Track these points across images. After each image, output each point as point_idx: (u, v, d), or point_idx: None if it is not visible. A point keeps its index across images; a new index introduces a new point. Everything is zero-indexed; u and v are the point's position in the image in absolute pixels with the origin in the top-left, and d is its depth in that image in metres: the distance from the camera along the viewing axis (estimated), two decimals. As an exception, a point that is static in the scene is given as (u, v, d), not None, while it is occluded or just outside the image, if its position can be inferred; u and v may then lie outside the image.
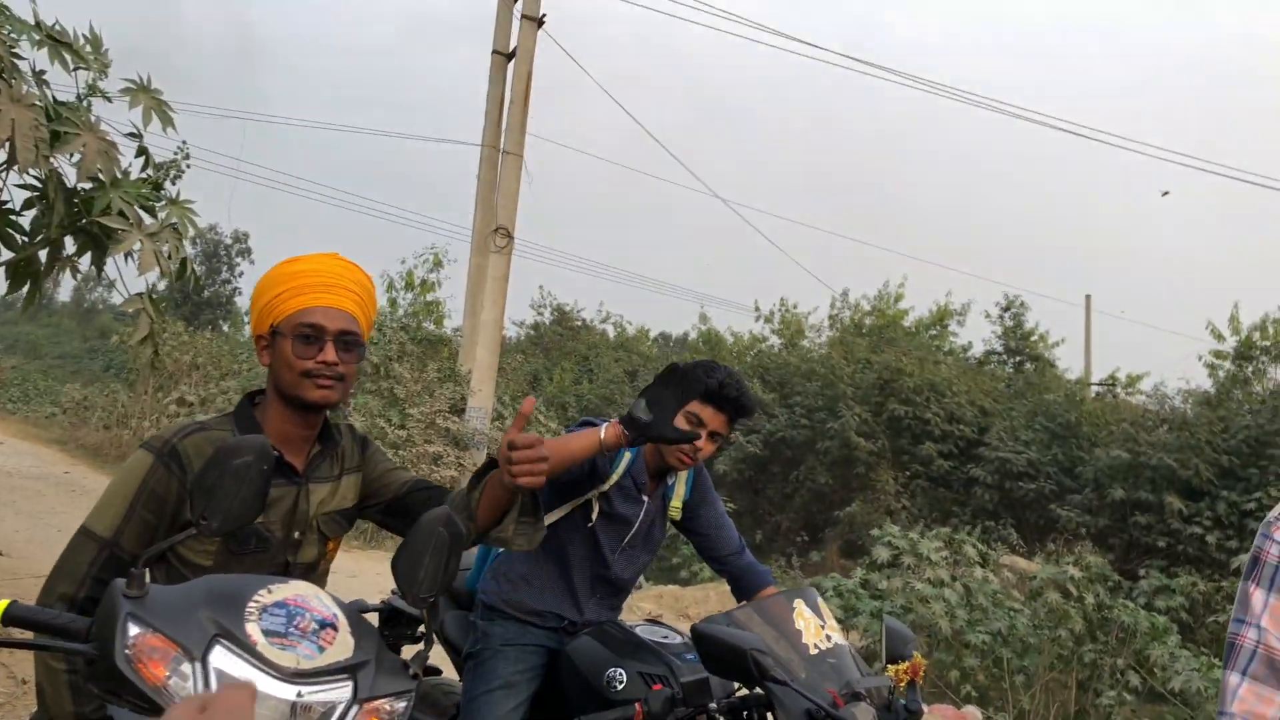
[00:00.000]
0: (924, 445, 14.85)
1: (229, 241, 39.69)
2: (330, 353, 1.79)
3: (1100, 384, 22.15)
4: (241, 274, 39.90)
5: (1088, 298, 26.27)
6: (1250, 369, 20.55)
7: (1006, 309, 24.09)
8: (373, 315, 1.96)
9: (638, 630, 2.50)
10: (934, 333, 24.66)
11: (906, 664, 2.28)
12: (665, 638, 2.48)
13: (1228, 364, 21.35)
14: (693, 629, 2.05)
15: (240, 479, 1.40)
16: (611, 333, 25.19)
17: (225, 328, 32.63)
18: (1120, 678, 6.54)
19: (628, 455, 2.55)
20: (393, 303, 17.49)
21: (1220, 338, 21.95)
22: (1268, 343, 21.51)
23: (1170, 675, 6.17)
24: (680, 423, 2.44)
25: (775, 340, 24.41)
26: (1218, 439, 11.98)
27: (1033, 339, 24.21)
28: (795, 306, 24.63)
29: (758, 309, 24.58)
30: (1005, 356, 24.33)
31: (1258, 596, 1.40)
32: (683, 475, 2.69)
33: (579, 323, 24.44)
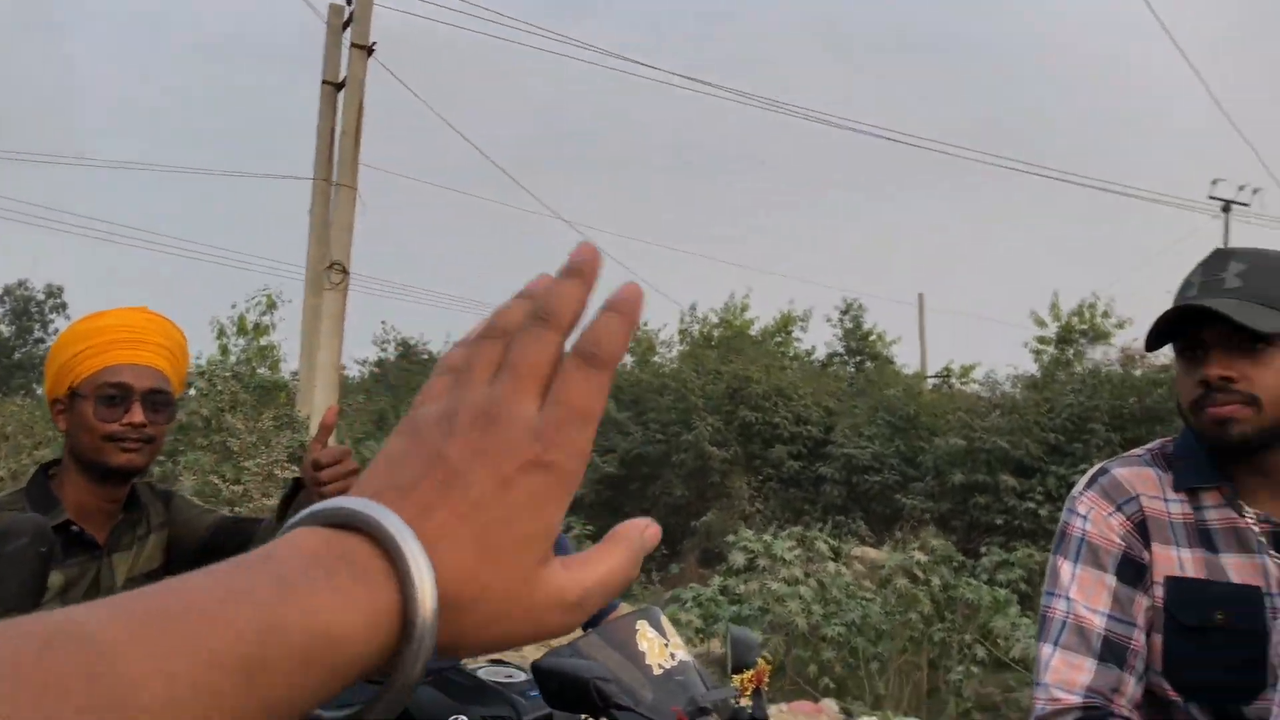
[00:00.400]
0: (774, 448, 15.23)
1: (41, 297, 37.20)
2: (138, 413, 1.66)
3: (936, 376, 23.24)
4: (55, 331, 37.44)
5: (920, 296, 27.54)
6: (1071, 352, 21.98)
7: (846, 311, 25.00)
8: (184, 372, 1.85)
9: (480, 673, 2.44)
10: (779, 339, 25.35)
11: (751, 672, 2.31)
12: (509, 677, 2.43)
13: (1050, 349, 22.78)
14: (533, 665, 2.01)
15: (15, 564, 1.30)
16: (460, 364, 24.65)
17: (39, 392, 30.60)
18: (968, 652, 6.84)
19: None
20: (224, 350, 16.75)
21: (1043, 324, 23.40)
22: (1085, 326, 23.06)
23: (1012, 644, 6.50)
24: None
25: (627, 359, 24.61)
26: (1044, 419, 12.75)
27: (871, 339, 25.19)
28: (646, 324, 24.92)
29: (607, 329, 24.59)
30: (847, 357, 25.21)
31: (1065, 569, 1.45)
32: None
33: (425, 356, 24.01)
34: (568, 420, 0.38)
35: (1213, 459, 1.44)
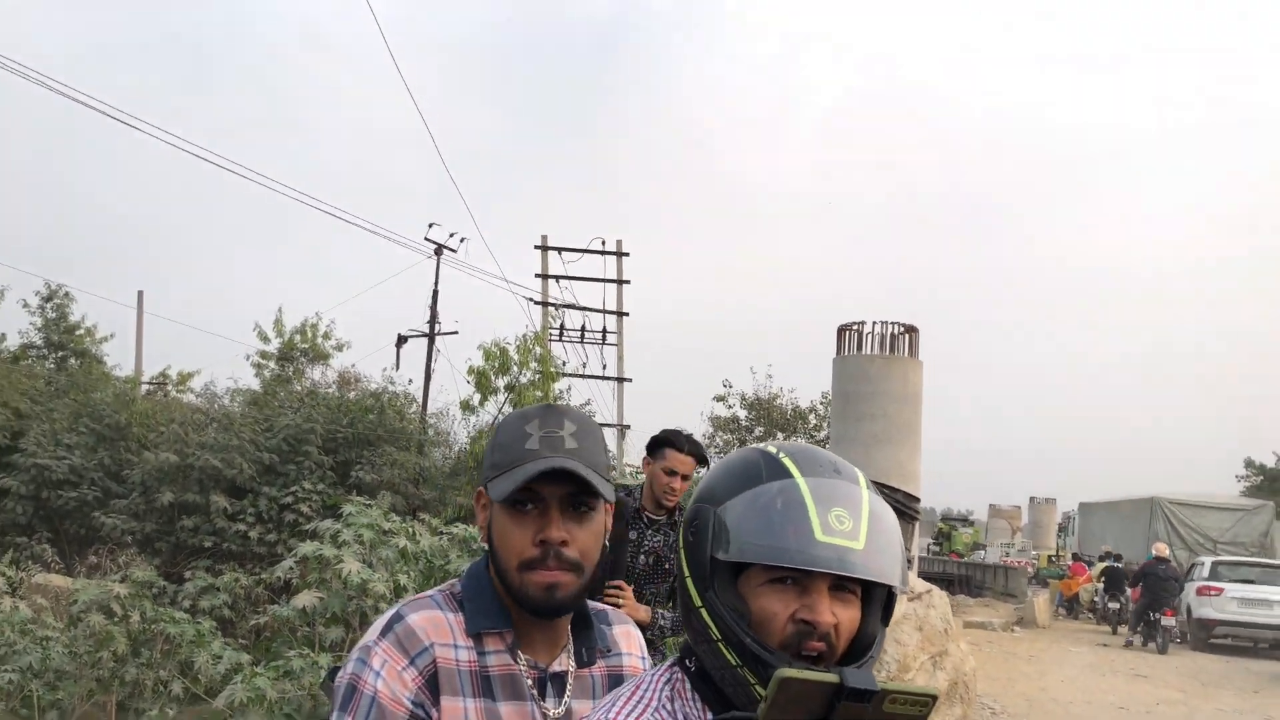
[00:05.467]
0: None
1: None
2: None
3: (151, 382, 21.85)
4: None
5: (140, 294, 25.67)
6: (291, 369, 22.46)
7: (49, 299, 22.20)
8: None
9: None
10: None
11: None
12: None
13: (272, 364, 23.00)
14: None
15: None
16: None
17: None
18: (163, 689, 6.48)
19: None
20: None
21: (266, 339, 23.53)
22: (306, 345, 23.74)
23: (214, 679, 6.32)
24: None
25: None
26: (261, 437, 12.75)
27: (79, 333, 22.75)
28: None
29: None
30: (47, 351, 22.40)
31: None
32: None
33: None
34: None
35: (501, 603, 1.45)
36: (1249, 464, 58.20)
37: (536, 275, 21.14)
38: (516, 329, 18.57)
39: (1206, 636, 18.03)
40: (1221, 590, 17.92)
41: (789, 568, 1.13)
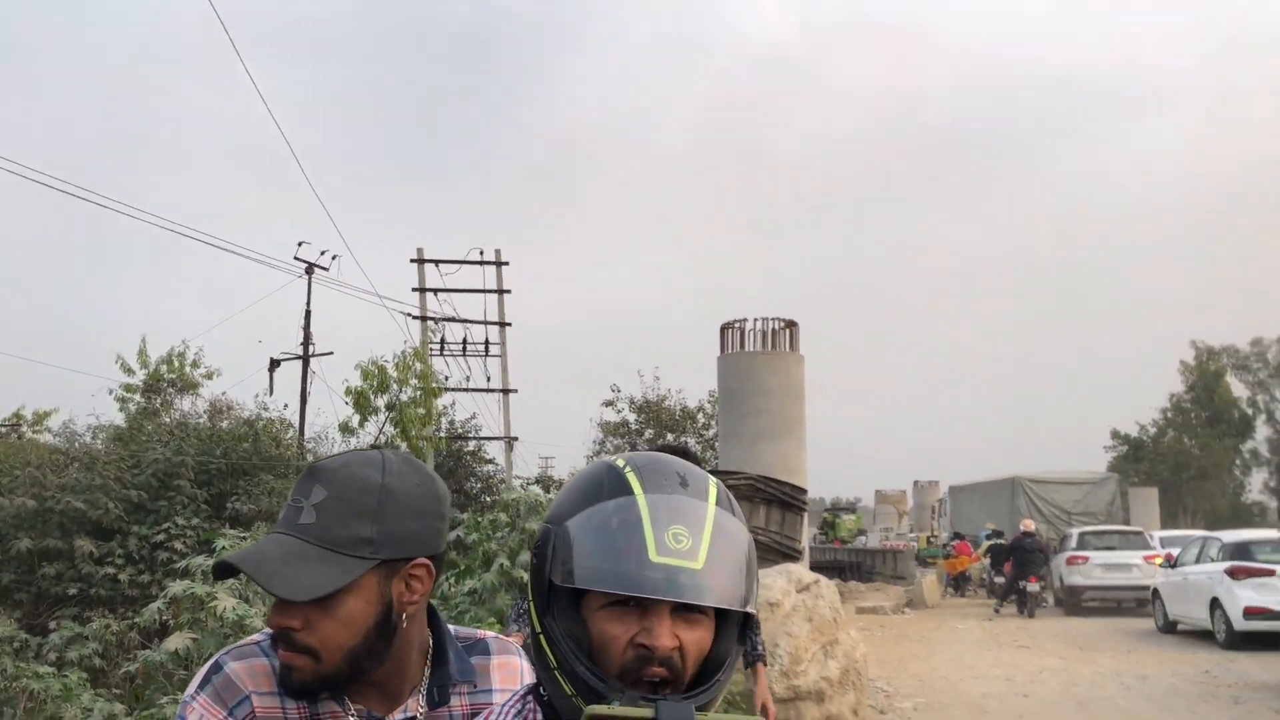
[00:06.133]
0: None
1: None
2: None
3: (4, 424, 20.62)
4: None
5: (-12, 328, 24.20)
6: (159, 400, 21.46)
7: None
8: None
9: None
10: None
11: None
12: None
13: (138, 397, 21.94)
14: None
15: None
16: None
17: None
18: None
19: None
20: None
21: (130, 371, 22.43)
22: (174, 375, 22.74)
23: (83, 735, 5.96)
24: None
25: None
26: (128, 475, 12.14)
27: (-80, 375, 21.32)
28: None
29: None
30: (-116, 397, 20.92)
31: None
32: None
33: None
34: None
35: None
36: (1115, 434, 61.58)
37: (414, 289, 20.79)
38: (395, 346, 18.18)
39: (1077, 601, 19.34)
40: (1088, 558, 19.28)
41: (624, 594, 1.08)
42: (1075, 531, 21.08)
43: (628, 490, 1.12)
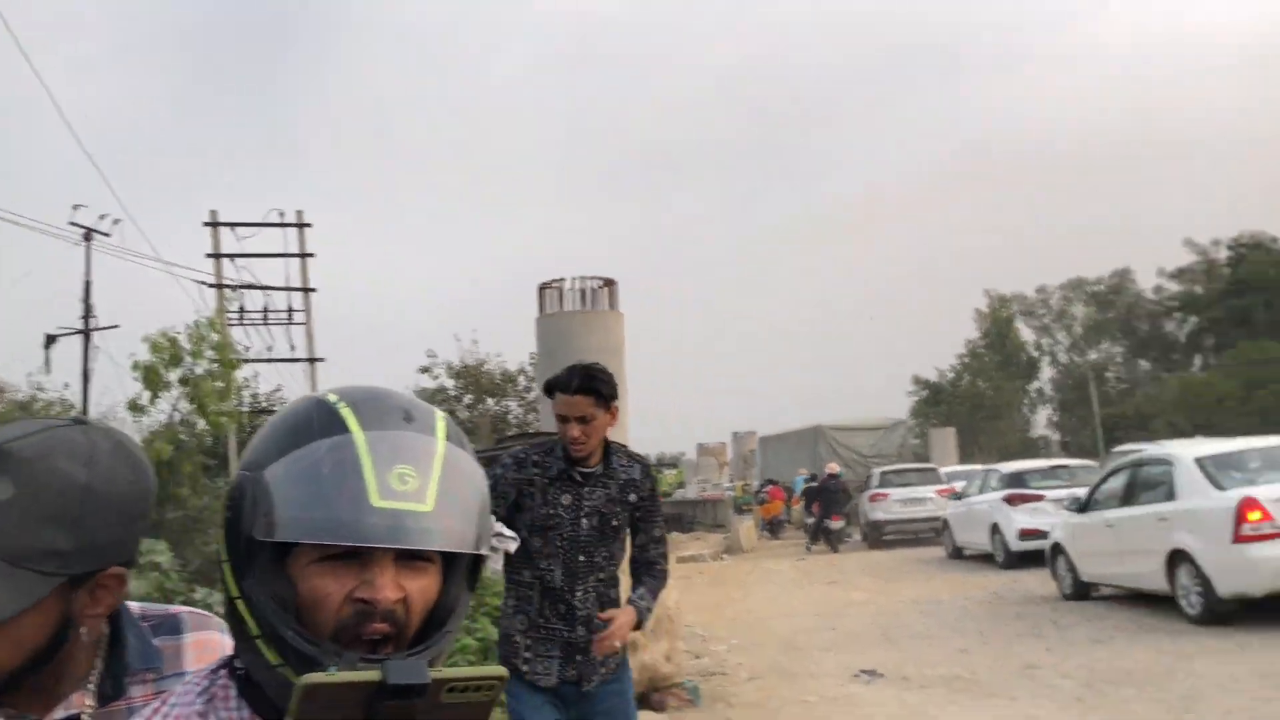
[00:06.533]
0: None
1: None
2: None
3: None
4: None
5: None
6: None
7: None
8: None
9: None
10: None
11: None
12: None
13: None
14: None
15: None
16: None
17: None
18: None
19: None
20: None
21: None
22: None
23: None
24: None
25: None
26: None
27: None
28: None
29: None
30: None
31: None
32: None
33: None
34: None
35: None
36: (916, 380, 65.37)
37: (207, 255, 19.60)
38: (189, 318, 17.11)
39: (880, 536, 21.08)
40: (887, 495, 21.03)
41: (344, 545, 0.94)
42: (876, 471, 22.73)
43: (342, 428, 0.97)
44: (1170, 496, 9.35)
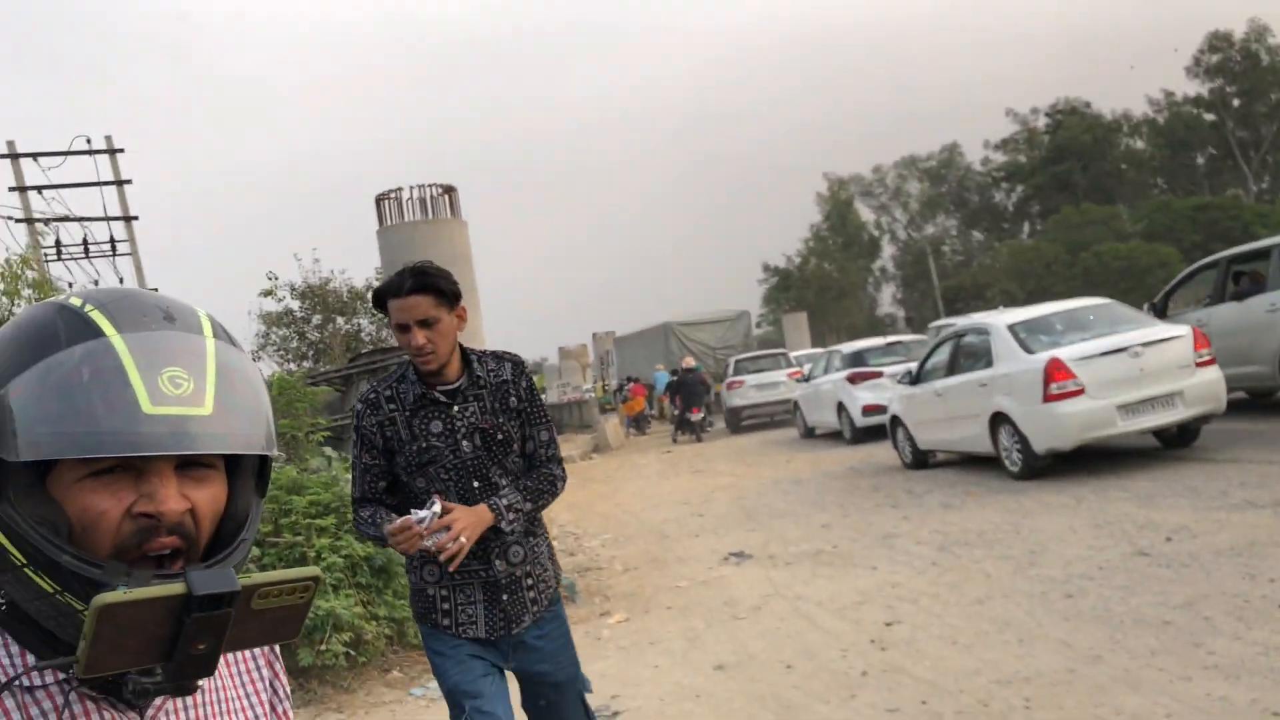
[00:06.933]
0: None
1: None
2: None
3: None
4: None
5: None
6: None
7: None
8: None
9: None
10: None
11: None
12: None
13: None
14: None
15: None
16: None
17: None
18: None
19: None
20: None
21: None
22: None
23: None
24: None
25: None
26: None
27: None
28: None
29: None
30: None
31: None
32: None
33: None
34: None
35: None
36: (765, 267, 66.81)
37: (11, 189, 18.08)
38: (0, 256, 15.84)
39: (739, 421, 22.19)
40: (743, 382, 22.00)
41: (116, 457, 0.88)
42: (732, 360, 23.60)
43: (96, 332, 0.90)
44: (989, 364, 9.93)
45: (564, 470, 3.01)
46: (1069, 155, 58.83)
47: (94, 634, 0.81)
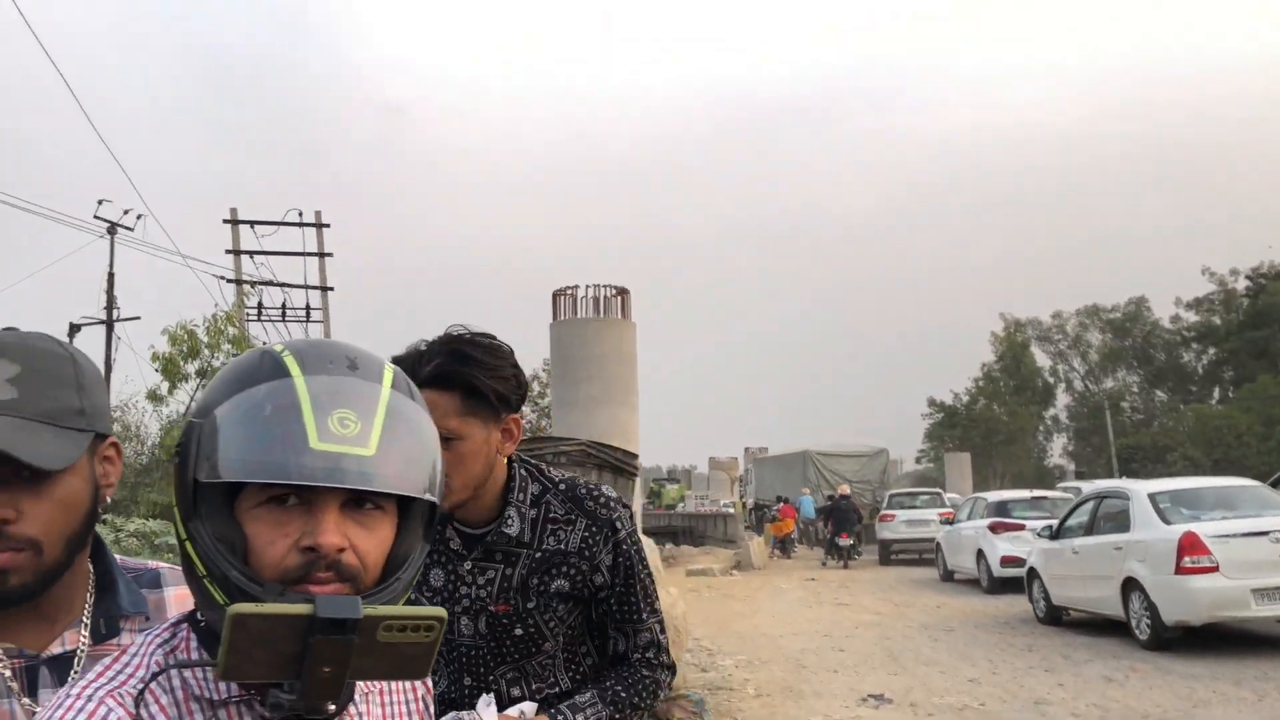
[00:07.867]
0: None
1: None
2: None
3: None
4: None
5: None
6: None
7: None
8: None
9: None
10: None
11: None
12: None
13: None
14: None
15: None
16: None
17: None
18: None
19: None
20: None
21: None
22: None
23: None
24: None
25: None
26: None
27: None
28: None
29: None
30: None
31: None
32: None
33: None
34: None
35: None
36: (931, 402, 65.01)
37: (227, 251, 19.70)
38: (209, 311, 17.17)
39: (888, 554, 22.68)
40: (894, 516, 22.62)
41: (282, 484, 0.94)
42: (888, 494, 24.25)
43: (284, 373, 0.98)
44: (1126, 528, 10.08)
45: (671, 672, 1.96)
46: (1270, 321, 55.39)
47: (229, 641, 0.86)
